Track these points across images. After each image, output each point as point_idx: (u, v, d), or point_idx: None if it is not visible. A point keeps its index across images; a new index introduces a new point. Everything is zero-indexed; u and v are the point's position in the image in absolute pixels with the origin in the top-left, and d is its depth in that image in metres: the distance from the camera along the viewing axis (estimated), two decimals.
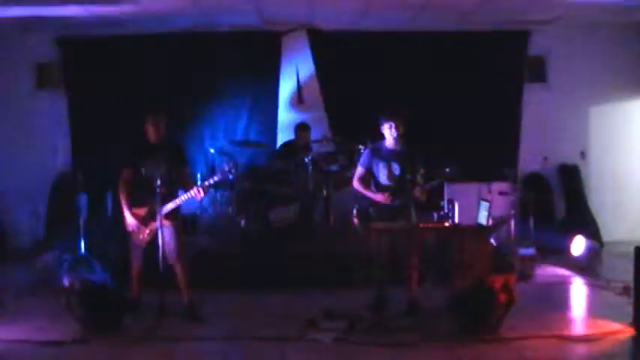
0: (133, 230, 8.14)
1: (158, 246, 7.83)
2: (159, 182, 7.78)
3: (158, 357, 7.02)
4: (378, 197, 8.21)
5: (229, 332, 7.64)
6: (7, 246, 12.19)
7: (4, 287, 9.59)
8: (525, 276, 9.89)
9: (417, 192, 8.09)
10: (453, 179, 8.50)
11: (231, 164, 8.16)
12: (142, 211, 8.08)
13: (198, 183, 8.35)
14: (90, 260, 9.77)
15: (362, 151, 9.54)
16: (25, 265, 10.42)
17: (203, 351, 7.20)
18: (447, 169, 8.14)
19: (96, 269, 9.61)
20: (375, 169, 8.34)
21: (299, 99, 12.68)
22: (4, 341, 7.34)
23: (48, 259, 9.97)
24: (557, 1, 10.96)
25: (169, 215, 8.00)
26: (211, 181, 8.05)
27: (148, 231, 8.06)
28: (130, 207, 8.12)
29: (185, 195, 8.03)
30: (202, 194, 7.94)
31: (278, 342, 7.28)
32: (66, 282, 8.62)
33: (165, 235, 7.97)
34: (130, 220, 8.11)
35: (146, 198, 7.99)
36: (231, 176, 8.04)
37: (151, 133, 8.14)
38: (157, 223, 7.85)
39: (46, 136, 12.55)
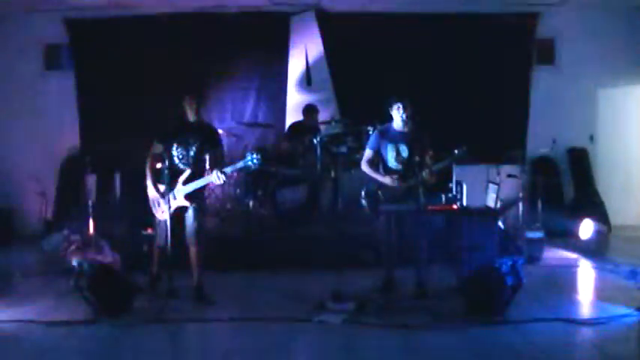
0: (153, 203, 8.17)
1: (166, 226, 7.85)
2: (186, 161, 7.91)
3: (166, 338, 7.04)
4: (387, 180, 8.19)
5: (237, 314, 7.64)
6: (16, 227, 12.26)
7: (13, 268, 9.65)
8: (533, 259, 9.90)
9: (426, 174, 8.07)
10: (461, 161, 8.46)
11: (255, 152, 8.04)
12: (163, 187, 8.06)
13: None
14: (98, 241, 9.77)
15: (370, 132, 9.52)
16: (33, 247, 10.45)
17: (211, 332, 7.21)
18: (455, 151, 8.11)
19: (104, 250, 9.62)
20: (383, 151, 8.31)
21: (307, 80, 12.66)
22: (12, 321, 7.37)
23: (56, 240, 9.96)
24: None
25: (191, 196, 8.01)
26: (233, 167, 8.04)
27: (167, 207, 8.04)
28: (154, 180, 8.14)
29: (205, 178, 8.02)
30: (222, 180, 7.90)
31: (286, 324, 7.31)
32: (74, 263, 8.66)
33: (187, 216, 8.01)
34: (151, 192, 8.14)
35: (172, 175, 7.98)
36: (253, 165, 7.93)
37: (187, 112, 8.11)
38: (173, 203, 7.96)
39: (55, 117, 12.56)
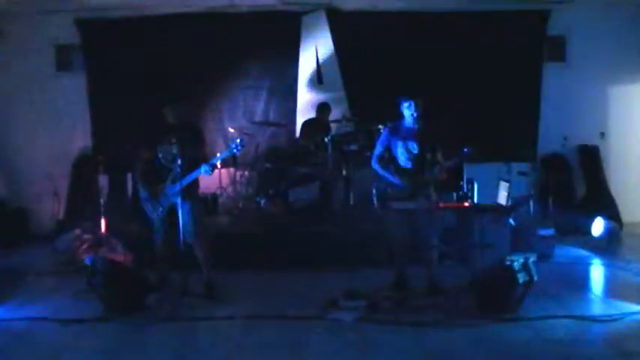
0: (146, 205, 8.24)
1: (178, 225, 7.89)
2: (171, 160, 7.94)
3: (179, 336, 7.04)
4: (395, 180, 8.19)
5: (250, 312, 7.67)
6: (29, 227, 12.31)
7: (27, 267, 9.71)
8: (545, 256, 9.87)
9: (437, 170, 8.07)
10: (471, 159, 8.44)
11: (239, 138, 8.17)
12: (157, 189, 8.14)
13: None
14: (110, 240, 9.81)
15: (381, 130, 9.53)
16: (46, 245, 10.49)
17: (224, 330, 7.23)
18: (465, 149, 8.08)
19: (117, 249, 9.67)
20: (393, 148, 8.30)
21: (318, 79, 12.67)
22: (26, 319, 7.44)
23: (69, 239, 10.01)
24: None
25: (183, 194, 8.01)
26: (219, 157, 8.15)
27: (161, 208, 8.12)
28: (145, 182, 8.24)
29: (193, 173, 8.06)
30: (211, 172, 7.98)
31: (299, 322, 7.33)
32: (87, 261, 8.71)
33: (182, 214, 8.01)
34: (143, 194, 8.22)
35: (160, 176, 8.06)
36: (236, 150, 8.04)
37: (168, 115, 8.21)
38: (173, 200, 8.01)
39: (67, 118, 12.58)
